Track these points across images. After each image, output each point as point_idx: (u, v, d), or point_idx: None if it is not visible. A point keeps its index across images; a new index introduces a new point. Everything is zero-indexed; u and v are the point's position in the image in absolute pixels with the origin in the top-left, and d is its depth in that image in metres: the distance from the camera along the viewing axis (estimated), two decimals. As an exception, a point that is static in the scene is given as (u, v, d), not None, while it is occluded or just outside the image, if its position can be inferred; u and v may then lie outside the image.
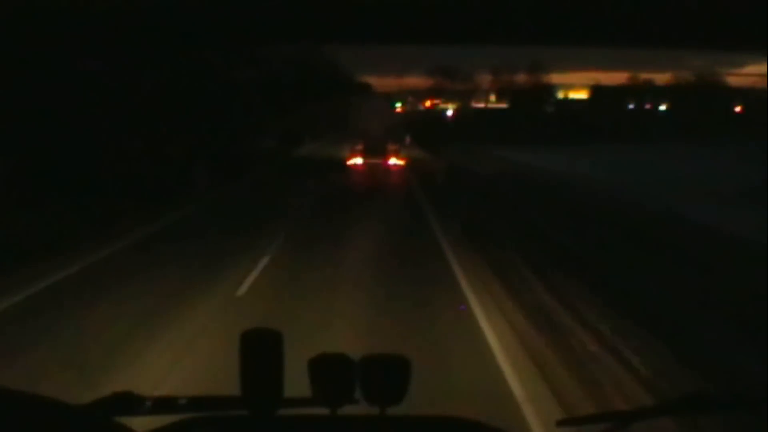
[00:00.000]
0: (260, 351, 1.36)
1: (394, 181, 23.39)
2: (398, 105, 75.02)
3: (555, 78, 70.56)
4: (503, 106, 76.51)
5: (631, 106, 70.88)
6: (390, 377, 1.40)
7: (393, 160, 26.49)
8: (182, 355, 5.91)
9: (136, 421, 1.38)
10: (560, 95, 73.79)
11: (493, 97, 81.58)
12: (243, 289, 8.22)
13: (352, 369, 1.38)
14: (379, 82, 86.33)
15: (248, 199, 18.01)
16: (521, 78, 68.10)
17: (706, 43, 19.03)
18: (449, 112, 73.58)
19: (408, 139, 37.42)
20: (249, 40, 20.95)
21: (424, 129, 45.50)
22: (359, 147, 26.74)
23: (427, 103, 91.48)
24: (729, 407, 1.52)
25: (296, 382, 1.39)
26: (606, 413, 1.40)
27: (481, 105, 79.62)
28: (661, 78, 72.02)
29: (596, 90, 71.43)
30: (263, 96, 28.93)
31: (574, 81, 79.75)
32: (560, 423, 1.51)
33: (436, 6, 13.79)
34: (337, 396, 1.38)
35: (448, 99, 77.49)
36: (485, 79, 74.62)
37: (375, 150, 26.56)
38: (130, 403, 1.41)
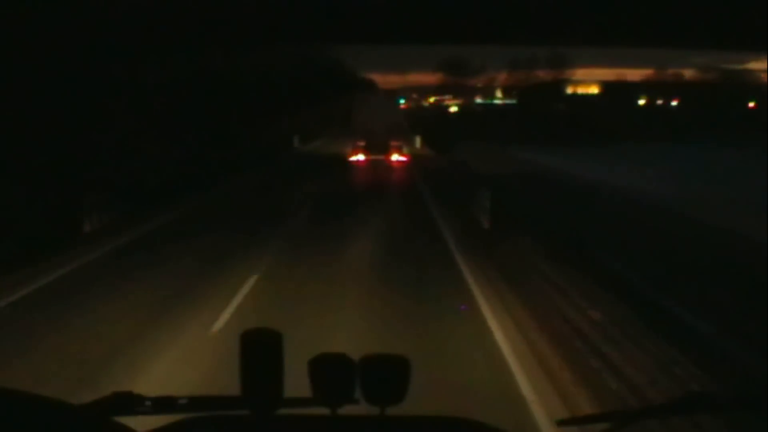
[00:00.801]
0: (260, 351, 1.40)
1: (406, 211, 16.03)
2: (402, 101, 75.30)
3: (569, 73, 69.81)
4: (506, 102, 76.58)
5: (641, 102, 70.70)
6: (390, 377, 1.43)
7: (396, 157, 26.58)
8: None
9: (136, 421, 1.42)
10: (569, 90, 73.58)
11: (499, 93, 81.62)
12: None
13: (352, 369, 1.41)
14: (382, 79, 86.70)
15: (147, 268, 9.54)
16: (542, 74, 67.29)
17: (707, 42, 18.99)
18: (454, 109, 73.55)
19: (418, 142, 36.42)
20: (252, 41, 20.85)
21: (431, 127, 44.62)
22: (361, 143, 26.89)
23: (431, 99, 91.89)
24: (730, 407, 1.55)
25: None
26: (606, 413, 1.44)
27: (487, 101, 79.53)
28: (672, 74, 71.81)
29: (607, 86, 71.22)
30: (247, 97, 27.17)
31: (597, 76, 78.87)
32: (561, 423, 1.55)
33: (448, 5, 13.77)
34: (337, 396, 1.42)
35: (455, 95, 77.46)
36: (501, 75, 73.83)
37: (377, 146, 26.73)
38: (130, 403, 1.45)
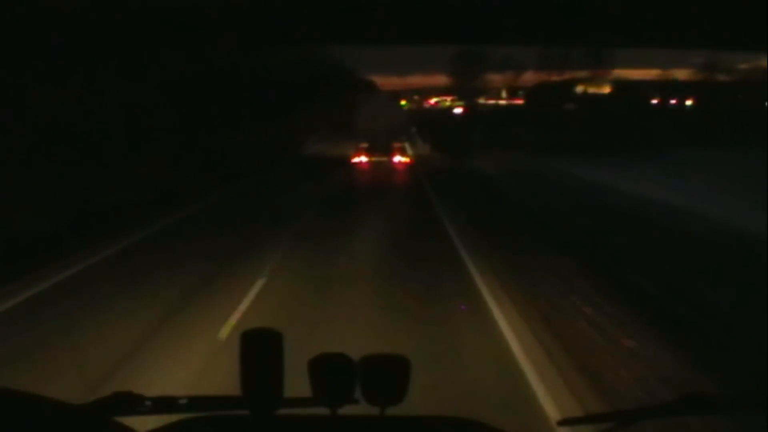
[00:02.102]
0: (260, 351, 1.46)
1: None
2: (403, 103, 75.71)
3: (607, 73, 68.47)
4: (511, 103, 76.63)
5: (654, 102, 70.76)
6: (390, 377, 1.50)
7: (398, 158, 27.11)
8: None
9: (136, 421, 1.49)
10: (579, 90, 73.54)
11: (504, 94, 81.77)
12: None
13: (352, 369, 1.48)
14: (383, 81, 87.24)
15: None
16: (580, 73, 65.98)
17: (706, 42, 19.03)
18: (458, 110, 73.61)
19: (427, 147, 35.63)
20: (252, 43, 20.82)
21: (437, 130, 42.93)
22: (364, 145, 27.54)
23: (432, 101, 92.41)
24: (729, 408, 1.62)
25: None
26: (606, 413, 1.51)
27: (492, 102, 79.66)
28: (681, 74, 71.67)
29: (618, 85, 71.24)
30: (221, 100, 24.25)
31: (637, 77, 77.69)
32: (561, 423, 1.62)
33: (458, 5, 13.82)
34: (337, 396, 1.48)
35: (459, 96, 77.54)
36: (525, 73, 72.74)
37: (380, 148, 27.35)
38: (130, 403, 1.51)
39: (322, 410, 1.50)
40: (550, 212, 16.33)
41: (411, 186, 22.07)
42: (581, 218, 15.52)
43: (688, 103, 70.08)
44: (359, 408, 1.51)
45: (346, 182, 22.83)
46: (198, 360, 5.95)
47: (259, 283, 8.66)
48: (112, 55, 15.31)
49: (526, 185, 22.12)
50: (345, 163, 27.31)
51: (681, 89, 70.70)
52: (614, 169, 26.56)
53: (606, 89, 72.57)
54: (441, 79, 79.97)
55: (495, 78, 71.86)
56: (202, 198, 17.72)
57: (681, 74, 71.27)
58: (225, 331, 6.70)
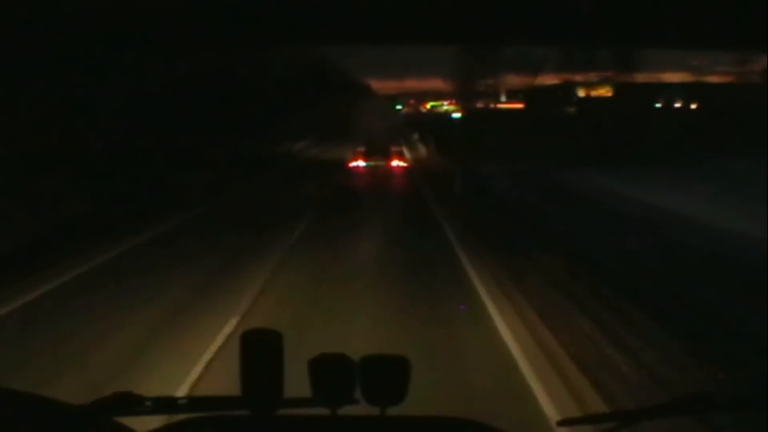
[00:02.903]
0: (260, 351, 1.50)
1: None
2: (399, 106, 76.22)
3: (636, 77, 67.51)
4: (509, 106, 76.82)
5: (658, 105, 70.97)
6: (390, 377, 1.53)
7: (396, 162, 27.42)
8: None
9: (136, 422, 1.53)
10: (581, 93, 73.48)
11: (504, 97, 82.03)
12: None
13: (352, 369, 1.52)
14: (380, 85, 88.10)
15: None
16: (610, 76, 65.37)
17: (705, 43, 19.10)
18: (457, 115, 73.86)
19: (427, 151, 34.89)
20: (246, 43, 20.71)
21: (440, 135, 41.79)
22: (361, 149, 27.91)
23: (428, 105, 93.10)
24: (730, 408, 1.66)
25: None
26: (606, 413, 1.56)
27: (491, 106, 79.85)
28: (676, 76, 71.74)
29: (620, 88, 71.34)
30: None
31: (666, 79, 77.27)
32: (561, 423, 1.66)
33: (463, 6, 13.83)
34: (337, 396, 1.52)
35: (458, 100, 77.92)
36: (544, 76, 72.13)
37: (378, 151, 27.77)
38: (130, 403, 1.54)
39: (322, 410, 1.54)
40: (624, 262, 11.20)
41: (415, 208, 17.42)
42: (688, 280, 10.08)
43: (693, 106, 70.11)
44: (359, 408, 1.55)
45: (337, 201, 18.63)
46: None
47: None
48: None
49: (563, 207, 17.80)
50: (338, 169, 27.03)
51: (686, 91, 70.64)
52: (656, 183, 22.30)
53: (609, 92, 72.48)
54: (437, 83, 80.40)
55: (508, 79, 70.99)
56: (93, 250, 11.00)
57: (711, 77, 70.73)
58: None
